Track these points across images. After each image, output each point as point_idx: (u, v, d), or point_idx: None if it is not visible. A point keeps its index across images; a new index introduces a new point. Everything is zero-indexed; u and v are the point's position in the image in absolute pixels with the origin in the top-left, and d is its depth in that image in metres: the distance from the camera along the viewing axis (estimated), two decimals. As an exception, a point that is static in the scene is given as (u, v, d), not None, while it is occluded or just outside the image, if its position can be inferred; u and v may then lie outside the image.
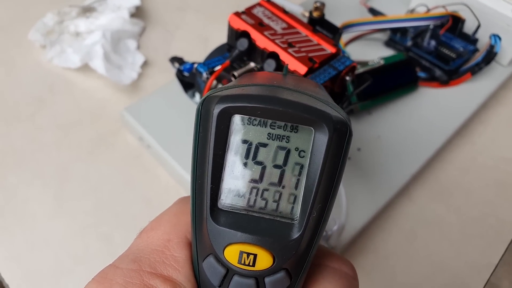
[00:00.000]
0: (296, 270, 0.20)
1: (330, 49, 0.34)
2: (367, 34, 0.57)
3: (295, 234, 0.19)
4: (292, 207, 0.19)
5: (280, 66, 0.33)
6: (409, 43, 0.54)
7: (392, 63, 0.50)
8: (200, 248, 0.20)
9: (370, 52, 0.56)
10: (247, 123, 0.19)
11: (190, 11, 0.65)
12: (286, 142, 0.19)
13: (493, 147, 0.52)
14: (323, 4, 0.38)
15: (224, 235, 0.19)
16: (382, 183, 0.45)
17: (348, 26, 0.52)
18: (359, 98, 0.47)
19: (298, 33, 0.35)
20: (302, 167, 0.19)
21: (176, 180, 0.47)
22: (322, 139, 0.18)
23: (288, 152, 0.19)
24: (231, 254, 0.19)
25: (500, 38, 0.53)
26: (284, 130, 0.19)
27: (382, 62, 0.49)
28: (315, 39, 0.35)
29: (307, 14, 0.39)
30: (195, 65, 0.38)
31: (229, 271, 0.19)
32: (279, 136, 0.19)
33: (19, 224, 0.43)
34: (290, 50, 0.33)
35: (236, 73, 0.34)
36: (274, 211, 0.20)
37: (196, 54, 0.59)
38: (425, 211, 0.47)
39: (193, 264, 0.21)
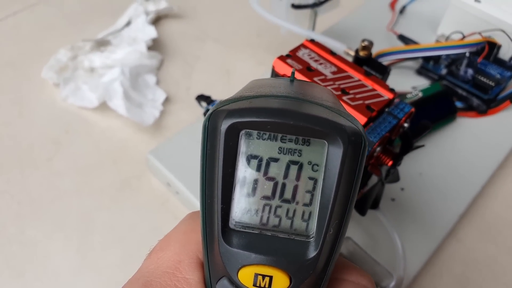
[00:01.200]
0: None
1: (387, 95, 0.31)
2: (397, 62, 0.54)
3: (312, 253, 0.18)
4: (307, 224, 0.19)
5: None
6: (443, 71, 0.52)
7: (430, 94, 0.48)
8: (212, 270, 0.19)
9: (402, 82, 0.53)
10: (257, 138, 0.18)
11: (209, 41, 0.62)
12: (298, 156, 0.18)
13: (538, 178, 0.50)
14: (371, 43, 0.35)
15: (238, 257, 0.18)
16: (430, 226, 0.42)
17: (380, 56, 0.49)
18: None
19: (350, 77, 0.32)
20: (316, 181, 0.18)
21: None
22: (336, 152, 0.17)
23: (300, 167, 0.18)
24: (246, 276, 0.18)
25: (537, 64, 0.51)
26: (296, 144, 0.18)
27: (420, 94, 0.47)
28: (369, 83, 0.32)
29: (352, 53, 0.36)
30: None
31: None
32: (290, 150, 0.18)
33: (41, 284, 0.40)
34: (344, 97, 0.30)
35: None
36: (288, 229, 0.19)
37: (219, 87, 0.57)
38: (475, 252, 0.44)
39: (206, 286, 0.20)
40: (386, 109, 0.31)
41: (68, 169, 0.48)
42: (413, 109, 0.31)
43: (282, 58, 0.33)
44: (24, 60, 0.58)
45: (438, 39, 0.54)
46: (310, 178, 0.18)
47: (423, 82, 0.53)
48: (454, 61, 0.52)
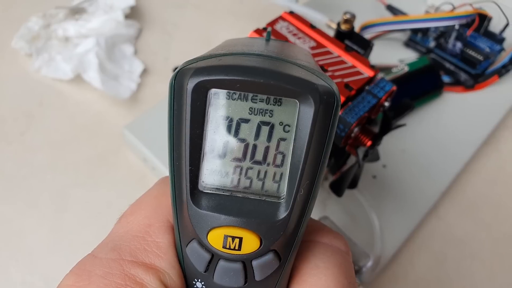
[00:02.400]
0: (285, 251, 0.19)
1: (367, 72, 0.30)
2: (385, 34, 0.52)
3: (282, 214, 0.18)
4: (279, 185, 0.18)
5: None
6: (431, 44, 0.50)
7: (416, 69, 0.46)
8: (182, 233, 0.19)
9: (389, 54, 0.52)
10: (226, 98, 0.17)
11: (189, 7, 0.60)
12: (270, 116, 0.18)
13: (521, 155, 0.49)
14: (353, 16, 0.33)
15: (207, 219, 0.18)
16: (411, 204, 0.42)
17: (367, 27, 0.47)
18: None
19: (329, 53, 0.31)
20: (287, 142, 0.18)
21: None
22: (307, 111, 0.17)
23: (272, 127, 0.18)
24: (215, 238, 0.18)
25: (527, 37, 0.50)
26: (267, 104, 0.17)
27: (406, 68, 0.45)
28: (349, 60, 0.30)
29: (334, 26, 0.34)
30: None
31: (214, 256, 0.18)
32: (261, 110, 0.18)
33: (15, 262, 0.39)
34: (322, 75, 0.29)
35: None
36: (259, 191, 0.18)
37: (199, 58, 0.54)
38: (453, 229, 0.44)
39: (176, 250, 0.20)
40: (366, 87, 0.30)
41: (42, 143, 0.46)
42: (394, 88, 0.30)
43: (258, 31, 0.31)
44: (-6, 28, 0.55)
45: (427, 10, 0.52)
46: (282, 139, 0.18)
47: (410, 55, 0.52)
48: (443, 33, 0.50)
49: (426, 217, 0.44)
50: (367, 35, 0.48)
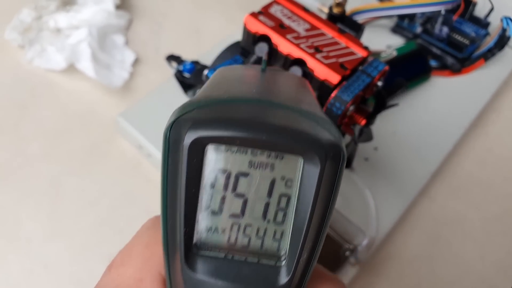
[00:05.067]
0: None
1: (360, 53, 0.30)
2: (372, 21, 0.53)
3: (283, 279, 0.17)
4: (279, 244, 0.17)
5: (306, 73, 0.30)
6: (418, 29, 0.51)
7: (404, 53, 0.47)
8: None
9: (377, 40, 0.53)
10: (225, 151, 0.16)
11: (179, -2, 0.60)
12: (271, 170, 0.16)
13: (509, 136, 0.51)
14: (345, 0, 0.34)
15: (203, 285, 0.17)
16: (403, 185, 0.43)
17: (354, 14, 0.48)
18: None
19: (323, 34, 0.31)
20: (289, 198, 0.17)
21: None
22: (313, 169, 0.16)
23: (273, 182, 0.17)
24: None
25: (512, 21, 0.51)
26: (268, 157, 0.16)
27: (394, 53, 0.46)
28: (342, 41, 0.31)
29: (325, 10, 0.35)
30: (206, 72, 0.34)
31: None
32: (262, 164, 0.16)
33: (13, 249, 0.39)
34: (318, 55, 0.30)
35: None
36: (258, 249, 0.17)
37: (189, 47, 0.55)
38: (445, 210, 0.45)
39: None
40: (360, 67, 0.30)
41: (36, 133, 0.46)
42: (387, 67, 0.31)
43: (254, 15, 0.32)
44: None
45: (414, -4, 0.53)
46: (283, 195, 0.17)
47: (398, 41, 0.53)
48: (429, 19, 0.51)
49: (418, 198, 0.45)
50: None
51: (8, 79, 0.50)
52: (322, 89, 0.30)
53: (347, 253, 0.37)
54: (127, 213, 0.42)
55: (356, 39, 0.31)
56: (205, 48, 0.54)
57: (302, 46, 0.30)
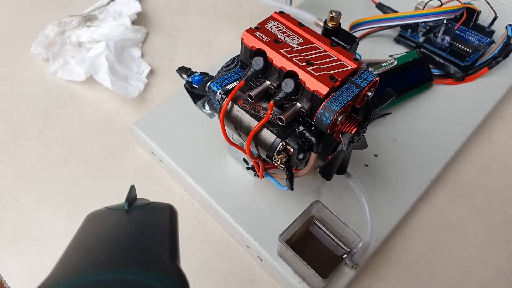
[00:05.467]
0: None
1: (350, 64, 0.32)
2: (375, 31, 0.55)
3: None
4: None
5: (298, 85, 0.32)
6: (420, 39, 0.52)
7: (405, 62, 0.48)
8: None
9: (380, 50, 0.54)
10: None
11: (192, 13, 0.63)
12: None
13: (513, 143, 0.51)
14: (339, 14, 0.36)
15: None
16: (402, 190, 0.44)
17: (357, 25, 0.50)
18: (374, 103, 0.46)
19: (316, 48, 0.33)
20: None
21: (189, 193, 0.46)
22: None
23: None
24: None
25: (516, 29, 0.52)
26: None
27: (395, 62, 0.48)
28: (334, 54, 0.33)
29: (321, 24, 0.37)
30: (209, 84, 0.36)
31: None
32: None
33: (35, 248, 0.42)
34: (309, 68, 0.32)
35: (252, 94, 0.33)
36: None
37: (201, 59, 0.58)
38: (446, 215, 0.46)
39: None
40: (350, 79, 0.32)
41: (58, 140, 0.50)
42: (377, 78, 0.33)
43: (250, 30, 0.34)
44: (14, 36, 0.59)
45: (417, 6, 0.54)
46: None
47: (401, 50, 0.54)
48: (432, 28, 0.52)
49: (419, 203, 0.46)
50: (357, 33, 0.51)
51: (34, 90, 0.54)
52: (313, 100, 0.32)
53: (344, 256, 0.39)
54: (140, 215, 0.45)
55: (347, 52, 0.33)
56: (216, 59, 0.57)
57: (294, 59, 0.32)
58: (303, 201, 0.43)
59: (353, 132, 0.32)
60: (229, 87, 0.37)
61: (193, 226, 0.44)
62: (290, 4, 0.52)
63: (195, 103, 0.48)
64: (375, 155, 0.46)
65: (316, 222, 0.40)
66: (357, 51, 0.53)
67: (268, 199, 0.43)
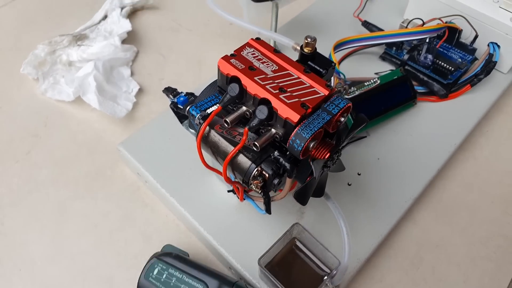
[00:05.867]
0: None
1: (323, 91, 0.33)
2: (361, 49, 0.55)
3: None
4: None
5: (272, 112, 0.32)
6: (405, 56, 0.53)
7: (388, 81, 0.49)
8: None
9: (365, 67, 0.55)
10: None
11: (183, 31, 0.64)
12: None
13: (496, 160, 0.51)
14: (314, 40, 0.36)
15: None
16: (385, 209, 0.45)
17: (341, 44, 0.51)
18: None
19: (289, 75, 0.34)
20: None
21: (175, 215, 0.46)
22: None
23: None
24: None
25: (499, 46, 0.52)
26: None
27: (378, 81, 0.48)
28: (307, 80, 0.34)
29: (298, 47, 0.38)
30: (188, 108, 0.37)
31: None
32: None
33: (18, 272, 0.43)
34: (281, 96, 0.32)
35: (228, 119, 0.34)
36: None
37: (190, 77, 0.59)
38: (429, 234, 0.46)
39: None
40: (323, 105, 0.33)
41: (46, 161, 0.50)
42: (349, 104, 0.33)
43: (226, 58, 0.35)
44: (4, 56, 0.60)
45: (402, 24, 0.55)
46: None
47: (386, 67, 0.55)
48: (415, 46, 0.53)
49: (402, 222, 0.46)
50: (343, 51, 0.51)
51: (24, 110, 0.55)
52: (286, 126, 0.32)
53: (325, 278, 0.39)
54: (125, 236, 0.45)
55: (320, 79, 0.34)
56: (205, 78, 0.58)
57: (268, 87, 0.33)
58: (286, 221, 0.43)
59: (326, 157, 0.33)
60: (209, 111, 0.37)
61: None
62: (276, 24, 0.52)
63: (181, 122, 0.49)
64: (359, 174, 0.47)
65: (298, 244, 0.41)
66: (342, 69, 0.54)
67: (252, 219, 0.43)
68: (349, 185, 0.46)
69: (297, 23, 0.60)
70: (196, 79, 0.58)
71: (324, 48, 0.53)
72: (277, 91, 0.33)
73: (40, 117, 0.54)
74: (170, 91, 0.50)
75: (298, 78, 0.34)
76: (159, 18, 0.65)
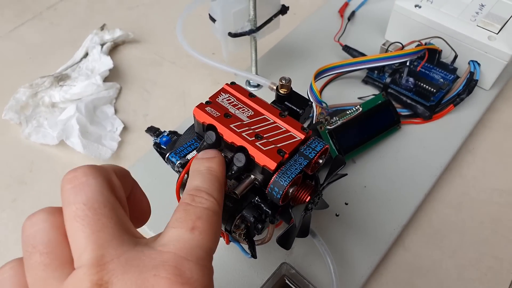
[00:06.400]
0: None
1: (299, 136, 0.33)
2: (343, 74, 0.55)
3: None
4: None
5: (249, 160, 0.32)
6: (387, 80, 0.53)
7: (371, 107, 0.49)
8: None
9: (348, 92, 0.55)
10: None
11: (166, 64, 0.64)
12: None
13: (484, 178, 0.51)
14: (289, 81, 0.36)
15: None
16: (375, 238, 0.44)
17: (322, 72, 0.51)
18: (340, 152, 0.46)
19: (265, 119, 0.34)
20: None
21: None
22: None
23: None
24: None
25: (479, 64, 0.52)
26: None
27: (360, 108, 0.48)
28: (282, 125, 0.33)
29: (274, 87, 0.38)
30: (167, 155, 0.37)
31: None
32: None
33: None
34: (257, 143, 0.32)
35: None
36: None
37: (175, 111, 0.58)
38: (420, 259, 0.46)
39: None
40: (300, 149, 0.33)
41: (34, 208, 0.49)
42: (326, 146, 0.33)
43: (201, 106, 0.35)
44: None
45: (382, 46, 0.55)
46: None
47: (369, 91, 0.55)
48: (396, 69, 0.53)
49: (392, 248, 0.46)
50: (324, 78, 0.51)
51: (7, 156, 0.54)
52: (264, 173, 0.32)
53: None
54: None
55: (296, 122, 0.34)
56: (191, 110, 0.58)
57: (243, 134, 0.33)
58: (276, 256, 0.43)
59: (306, 201, 0.33)
60: (189, 156, 0.37)
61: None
62: (256, 56, 0.52)
63: (166, 162, 0.49)
64: (346, 204, 0.47)
65: (287, 282, 0.41)
66: (324, 95, 0.54)
67: (240, 259, 0.43)
68: (337, 215, 0.46)
69: (278, 50, 0.60)
70: (181, 112, 0.58)
71: (307, 74, 0.54)
72: (253, 138, 0.33)
73: (25, 162, 0.54)
74: (152, 131, 0.50)
75: (274, 122, 0.34)
76: (141, 52, 0.65)
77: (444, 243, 0.47)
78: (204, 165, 0.30)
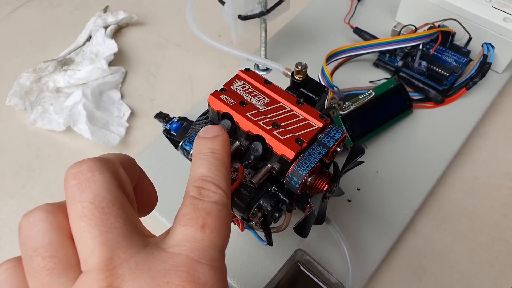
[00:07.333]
0: None
1: (317, 124, 0.32)
2: (354, 57, 0.54)
3: None
4: None
5: (267, 149, 0.32)
6: (399, 63, 0.52)
7: (383, 92, 0.48)
8: None
9: (360, 75, 0.54)
10: None
11: (171, 47, 0.63)
12: None
13: (495, 162, 0.51)
14: (305, 67, 0.36)
15: None
16: (387, 223, 0.44)
17: (333, 55, 0.50)
18: (353, 138, 0.46)
19: (282, 107, 0.33)
20: None
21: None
22: None
23: None
24: None
25: (493, 47, 0.51)
26: None
27: (373, 93, 0.47)
28: (300, 113, 0.33)
29: (289, 73, 0.37)
30: (181, 143, 0.36)
31: None
32: None
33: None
34: (275, 132, 0.32)
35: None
36: None
37: (182, 96, 0.58)
38: (431, 243, 0.46)
39: None
40: (318, 138, 0.32)
41: (42, 194, 0.50)
42: (345, 134, 0.33)
43: (216, 94, 0.34)
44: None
45: (394, 29, 0.54)
46: None
47: (381, 75, 0.54)
48: (409, 53, 0.52)
49: (404, 233, 0.46)
50: (334, 62, 0.51)
51: (14, 143, 0.54)
52: (282, 162, 0.32)
53: (330, 299, 0.39)
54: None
55: (314, 110, 0.33)
56: (199, 95, 0.57)
57: (260, 123, 0.32)
58: (290, 243, 0.43)
59: (324, 189, 0.33)
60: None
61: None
62: (265, 39, 0.51)
63: (176, 148, 0.48)
64: (358, 189, 0.46)
65: (301, 268, 0.41)
66: (335, 79, 0.53)
67: (255, 245, 0.43)
68: (349, 201, 0.46)
69: (288, 32, 0.59)
70: (188, 97, 0.57)
71: (317, 57, 0.53)
72: (270, 126, 0.32)
73: (32, 148, 0.53)
74: (162, 116, 0.49)
75: (291, 110, 0.33)
76: (145, 35, 0.64)
77: (455, 227, 0.47)
78: (207, 146, 0.27)
